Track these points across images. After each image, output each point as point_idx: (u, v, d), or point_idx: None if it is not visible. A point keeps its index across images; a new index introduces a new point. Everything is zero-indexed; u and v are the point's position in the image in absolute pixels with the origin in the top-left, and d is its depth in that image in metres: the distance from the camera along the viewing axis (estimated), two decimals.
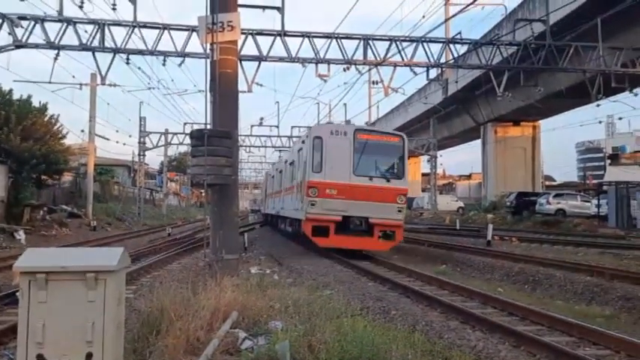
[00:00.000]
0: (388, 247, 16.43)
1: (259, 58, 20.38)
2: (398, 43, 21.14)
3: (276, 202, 25.51)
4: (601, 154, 78.56)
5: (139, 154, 42.42)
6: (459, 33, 22.52)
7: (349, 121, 21.13)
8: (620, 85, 22.24)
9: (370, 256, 16.37)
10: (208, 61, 10.66)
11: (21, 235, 20.83)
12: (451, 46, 22.32)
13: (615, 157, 56.87)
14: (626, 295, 10.04)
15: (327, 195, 15.39)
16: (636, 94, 23.76)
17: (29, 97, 27.13)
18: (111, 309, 4.11)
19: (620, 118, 43.62)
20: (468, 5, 20.81)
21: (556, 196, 35.28)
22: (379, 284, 11.47)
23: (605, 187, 33.49)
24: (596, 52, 21.61)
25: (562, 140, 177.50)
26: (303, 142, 17.81)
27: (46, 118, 27.79)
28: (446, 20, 28.39)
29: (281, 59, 20.60)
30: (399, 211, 15.83)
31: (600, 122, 52.69)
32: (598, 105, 25.19)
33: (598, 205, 31.68)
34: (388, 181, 15.86)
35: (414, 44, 21.27)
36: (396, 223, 15.85)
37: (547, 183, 56.82)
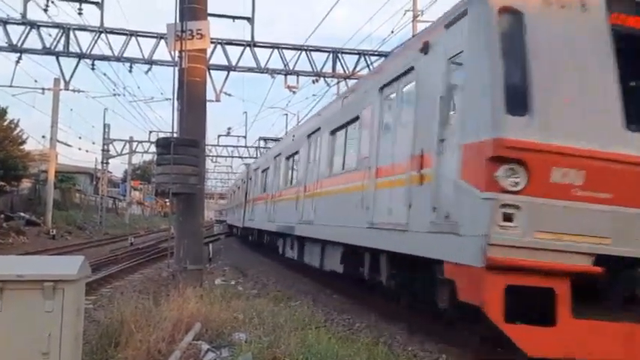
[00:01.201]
0: None
1: (228, 68, 20.31)
2: (367, 57, 21.41)
3: (281, 211, 15.50)
4: None
5: (102, 162, 41.67)
6: None
7: None
8: None
9: None
10: (176, 68, 10.59)
11: None
12: None
13: None
14: None
15: (556, 190, 4.94)
16: None
17: None
18: (69, 320, 4.00)
19: None
20: None
21: None
22: (343, 296, 11.47)
23: None
24: None
25: None
26: (424, 48, 6.62)
27: (5, 123, 27.05)
28: (414, 36, 28.94)
29: (250, 69, 20.60)
30: None
31: None
32: None
33: None
34: None
35: (383, 58, 21.57)
36: None
37: None
